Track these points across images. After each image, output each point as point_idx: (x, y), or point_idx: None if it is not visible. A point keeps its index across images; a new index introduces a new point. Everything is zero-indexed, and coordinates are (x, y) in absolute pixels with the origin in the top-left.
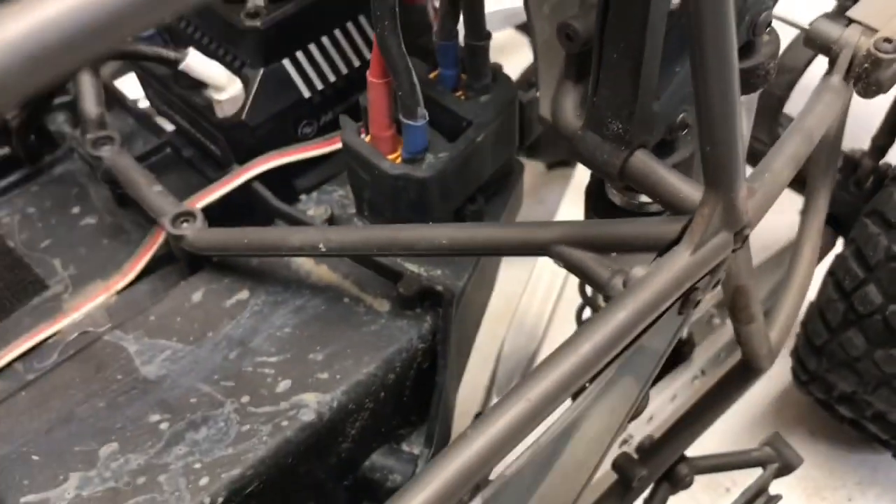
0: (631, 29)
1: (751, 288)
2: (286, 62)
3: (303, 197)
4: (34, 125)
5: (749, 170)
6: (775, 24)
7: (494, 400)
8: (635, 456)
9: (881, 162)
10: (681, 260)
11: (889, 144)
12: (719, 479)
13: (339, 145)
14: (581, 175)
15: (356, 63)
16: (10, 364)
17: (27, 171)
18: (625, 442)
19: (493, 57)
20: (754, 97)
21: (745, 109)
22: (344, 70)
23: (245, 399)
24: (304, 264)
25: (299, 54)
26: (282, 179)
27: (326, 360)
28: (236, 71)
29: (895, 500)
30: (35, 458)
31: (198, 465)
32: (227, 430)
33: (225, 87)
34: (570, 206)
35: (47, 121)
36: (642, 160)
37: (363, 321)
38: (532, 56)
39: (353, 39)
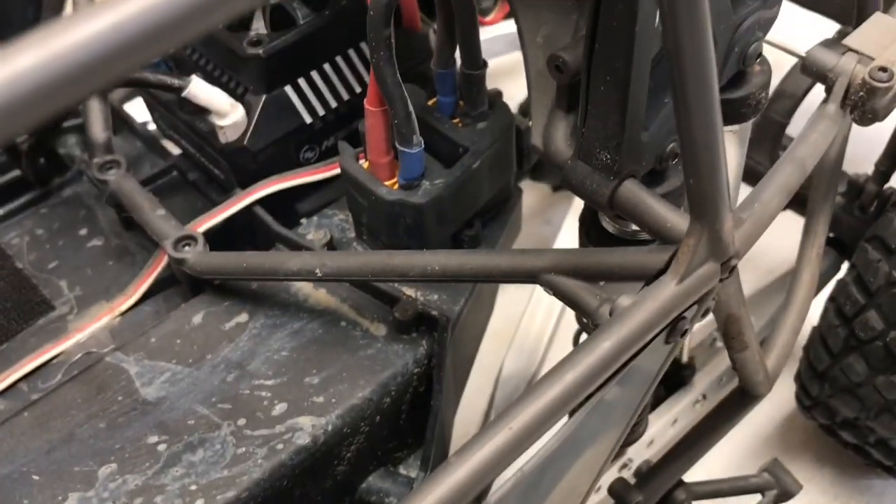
0: (617, 62)
1: (742, 316)
2: (288, 88)
3: (303, 221)
4: (44, 148)
5: (749, 189)
6: (774, 51)
7: None
8: (632, 481)
9: (885, 186)
10: (667, 290)
11: (892, 169)
12: None
13: (339, 170)
14: None
15: (357, 89)
16: (15, 383)
17: (36, 193)
18: (624, 466)
19: (497, 80)
20: (748, 126)
21: (737, 138)
22: (345, 96)
23: (241, 422)
24: (303, 288)
25: (301, 81)
26: (283, 203)
27: (322, 384)
28: (239, 97)
29: None
30: (35, 477)
31: (194, 487)
32: (223, 452)
33: (227, 113)
34: (574, 224)
35: (57, 143)
36: (631, 190)
37: (359, 345)
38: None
39: (354, 66)
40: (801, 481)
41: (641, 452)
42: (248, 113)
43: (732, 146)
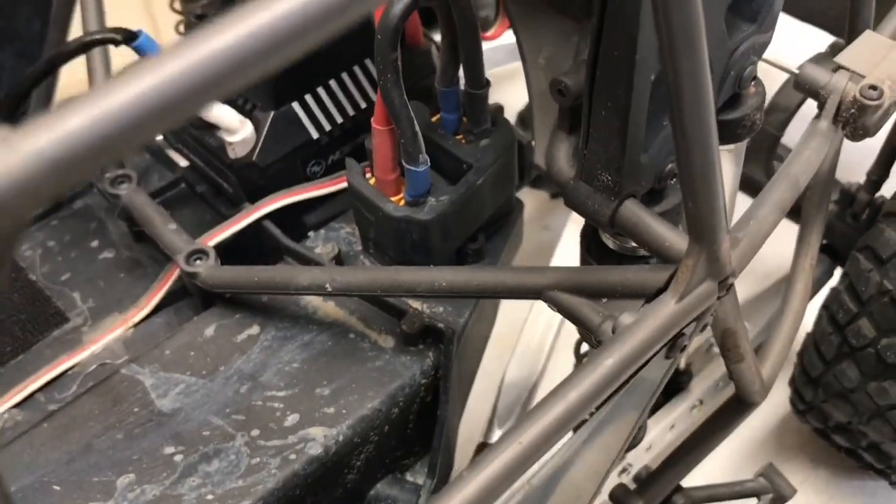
0: (618, 88)
1: (738, 329)
2: (295, 105)
3: (311, 234)
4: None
5: (748, 199)
6: (767, 67)
7: (496, 430)
8: (632, 486)
9: (876, 195)
10: (666, 308)
11: (883, 178)
12: None
13: (345, 184)
14: None
15: (363, 105)
16: (32, 395)
17: (48, 204)
18: (624, 471)
19: (498, 88)
20: (743, 144)
21: (733, 157)
22: (351, 112)
23: (255, 432)
24: (312, 300)
25: (308, 97)
26: (291, 216)
27: (333, 395)
28: (247, 113)
29: None
30: (56, 488)
31: (210, 497)
32: (237, 462)
33: (237, 130)
34: (573, 232)
35: None
36: (631, 210)
37: (368, 357)
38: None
39: (359, 82)
40: (796, 483)
41: (640, 457)
42: (257, 129)
43: (728, 164)
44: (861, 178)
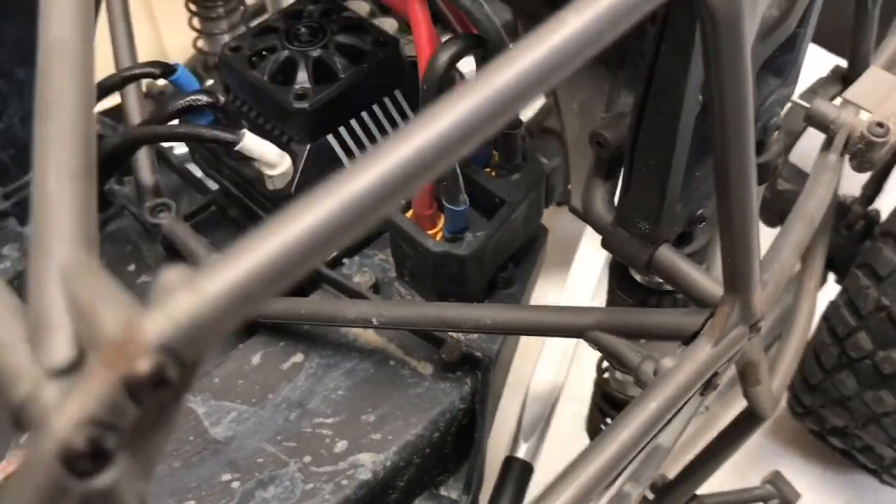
0: (660, 151)
1: (760, 360)
2: (330, 137)
3: (346, 260)
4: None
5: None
6: None
7: (522, 444)
8: (651, 496)
9: (869, 207)
10: (703, 352)
11: (877, 192)
12: None
13: None
14: None
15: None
16: None
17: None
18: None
19: None
20: (762, 186)
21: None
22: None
23: (307, 459)
24: (352, 329)
25: (342, 129)
26: None
27: (378, 422)
28: (284, 145)
29: None
30: None
31: None
32: (293, 488)
33: (277, 164)
34: (589, 245)
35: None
36: (666, 255)
37: (409, 383)
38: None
39: (389, 113)
40: (791, 477)
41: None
42: (294, 161)
43: None
44: (849, 189)
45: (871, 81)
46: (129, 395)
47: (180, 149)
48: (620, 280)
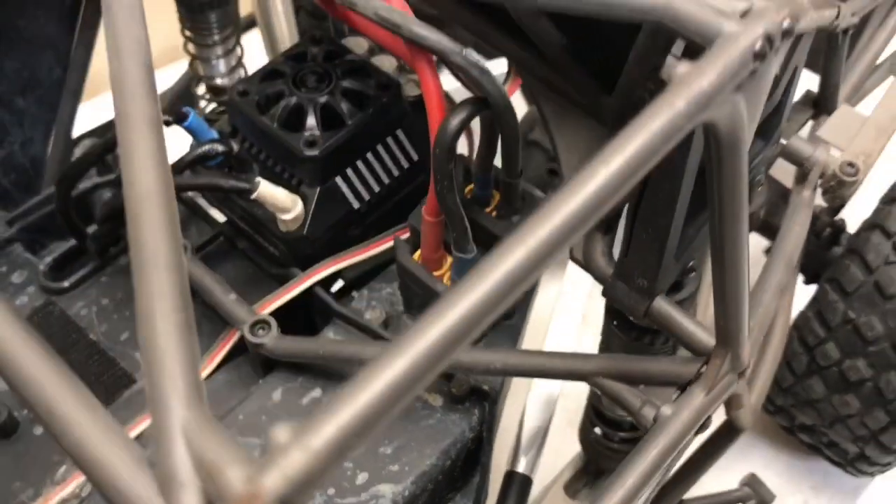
0: (658, 221)
1: (744, 394)
2: (338, 179)
3: (355, 294)
4: (117, 236)
5: None
6: None
7: (521, 458)
8: None
9: (836, 217)
10: (697, 400)
11: (843, 204)
12: None
13: (386, 245)
14: None
15: (395, 172)
16: None
17: (95, 262)
18: None
19: None
20: None
21: None
22: (385, 180)
23: (331, 491)
24: None
25: (349, 171)
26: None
27: (395, 453)
28: (294, 188)
29: (843, 502)
30: None
31: None
32: None
33: (290, 209)
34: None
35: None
36: (662, 306)
37: (421, 415)
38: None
39: (392, 152)
40: (760, 465)
41: None
42: (305, 203)
43: None
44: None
45: (842, 119)
46: None
47: None
48: (616, 318)
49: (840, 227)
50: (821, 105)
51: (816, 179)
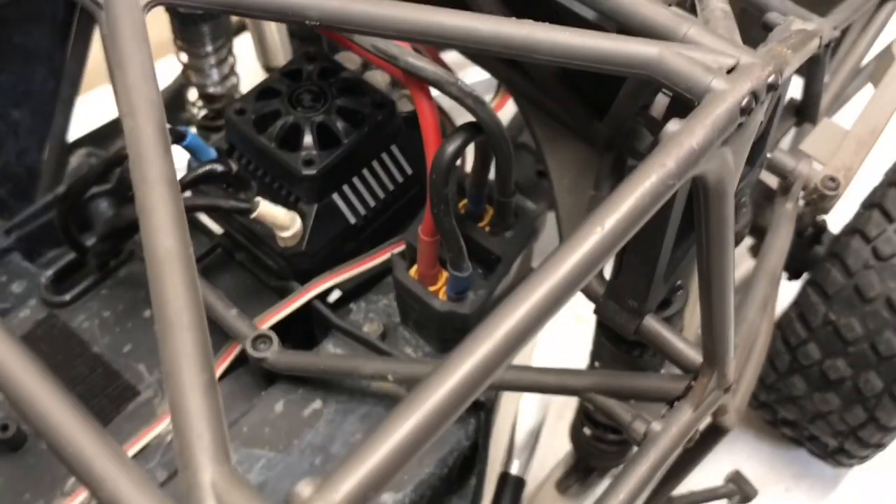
0: (648, 251)
1: (729, 403)
2: (335, 196)
3: (353, 306)
4: (116, 249)
5: None
6: None
7: (515, 461)
8: None
9: (818, 218)
10: (685, 415)
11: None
12: None
13: (382, 258)
14: None
15: (390, 187)
16: None
17: (96, 275)
18: None
19: None
20: None
21: None
22: (381, 194)
23: None
24: None
25: (345, 187)
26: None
27: None
28: (292, 205)
29: (823, 490)
30: None
31: None
32: None
33: (289, 227)
34: None
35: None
36: (652, 325)
37: None
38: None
39: (387, 167)
40: (743, 456)
41: None
42: (303, 220)
43: None
44: None
45: (824, 133)
46: None
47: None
48: (608, 333)
49: (822, 227)
50: (804, 113)
51: (799, 192)
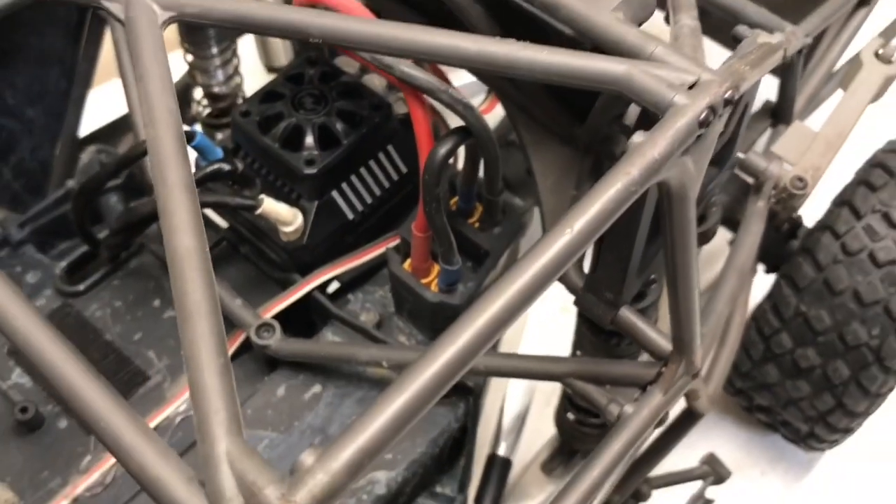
0: (621, 249)
1: (701, 388)
2: (334, 193)
3: (350, 297)
4: (128, 243)
5: None
6: None
7: (502, 443)
8: None
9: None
10: (656, 399)
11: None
12: None
13: (378, 252)
14: None
15: (386, 185)
16: None
17: (107, 267)
18: None
19: None
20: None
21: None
22: (377, 191)
23: None
24: None
25: (344, 185)
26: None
27: None
28: (294, 201)
29: (797, 474)
30: None
31: None
32: None
33: (291, 222)
34: None
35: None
36: (627, 316)
37: None
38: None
39: (383, 166)
40: (722, 441)
41: None
42: (304, 216)
43: None
44: None
45: (795, 135)
46: None
47: None
48: (588, 323)
49: (798, 223)
50: (779, 115)
51: (770, 191)
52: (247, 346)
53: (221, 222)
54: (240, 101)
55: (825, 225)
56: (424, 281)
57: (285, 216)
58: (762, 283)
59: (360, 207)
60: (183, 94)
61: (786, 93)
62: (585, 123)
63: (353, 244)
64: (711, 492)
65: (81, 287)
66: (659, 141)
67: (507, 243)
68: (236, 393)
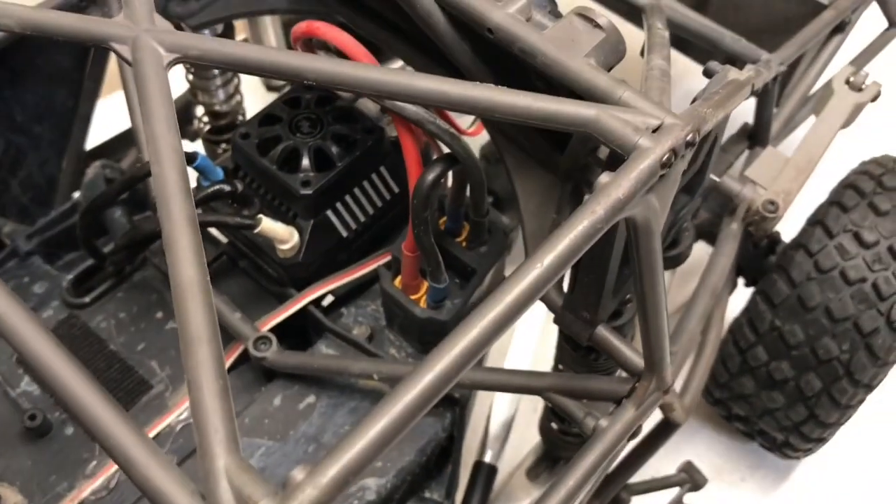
0: (596, 273)
1: (674, 401)
2: (329, 212)
3: (343, 311)
4: (133, 257)
5: None
6: None
7: (488, 450)
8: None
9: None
10: (629, 413)
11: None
12: None
13: (370, 268)
14: None
15: (379, 204)
16: None
17: (112, 280)
18: None
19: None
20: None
21: (669, 275)
22: (370, 210)
23: None
24: None
25: (339, 205)
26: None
27: None
28: (291, 220)
29: (776, 480)
30: None
31: None
32: None
33: (288, 240)
34: None
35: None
36: (603, 334)
37: None
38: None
39: (376, 186)
40: (702, 448)
41: None
42: (300, 234)
43: (667, 277)
44: None
45: (768, 160)
46: None
47: None
48: (568, 340)
49: (776, 239)
50: (755, 138)
51: (743, 214)
52: (245, 357)
53: (221, 237)
54: (240, 118)
55: (799, 243)
56: (414, 297)
57: (282, 234)
58: (744, 295)
59: (353, 226)
60: (184, 111)
61: (762, 117)
62: (565, 153)
63: (346, 260)
64: (693, 498)
65: (87, 299)
66: (623, 182)
67: (493, 261)
68: (234, 410)
